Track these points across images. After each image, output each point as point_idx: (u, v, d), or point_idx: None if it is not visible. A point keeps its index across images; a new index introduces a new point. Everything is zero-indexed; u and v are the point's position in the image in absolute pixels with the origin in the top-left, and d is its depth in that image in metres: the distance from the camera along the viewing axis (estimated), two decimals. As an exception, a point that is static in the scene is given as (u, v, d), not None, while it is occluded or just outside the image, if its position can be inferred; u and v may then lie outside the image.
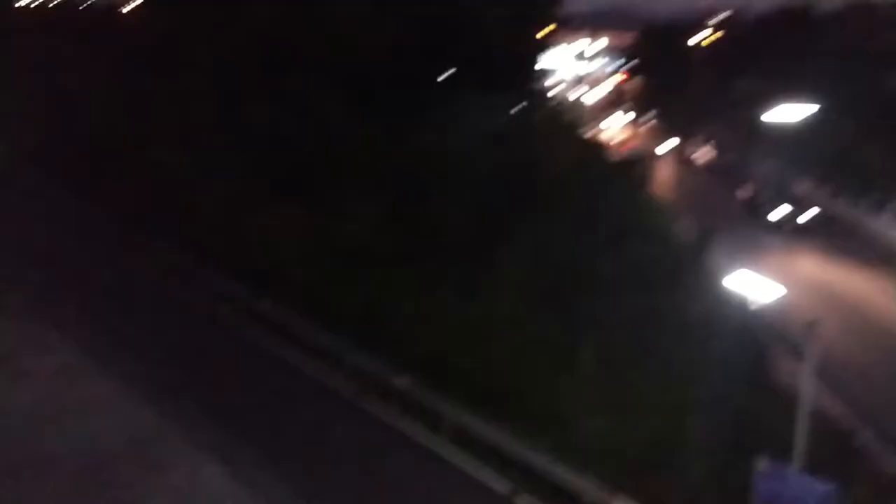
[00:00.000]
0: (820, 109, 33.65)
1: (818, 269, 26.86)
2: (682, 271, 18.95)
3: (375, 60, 18.79)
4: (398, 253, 17.03)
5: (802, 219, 33.92)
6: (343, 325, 16.18)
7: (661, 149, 56.18)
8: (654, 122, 73.31)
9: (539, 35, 47.60)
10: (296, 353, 16.78)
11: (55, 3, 36.84)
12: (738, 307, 14.96)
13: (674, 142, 53.98)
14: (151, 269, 20.12)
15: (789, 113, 27.54)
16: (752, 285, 12.28)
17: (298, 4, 16.77)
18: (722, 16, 79.13)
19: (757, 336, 17.34)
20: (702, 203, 35.84)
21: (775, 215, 34.18)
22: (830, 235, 32.64)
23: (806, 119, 27.98)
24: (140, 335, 16.84)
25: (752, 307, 14.80)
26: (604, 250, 17.40)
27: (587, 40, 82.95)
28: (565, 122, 34.42)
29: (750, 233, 31.55)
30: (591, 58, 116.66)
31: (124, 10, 20.94)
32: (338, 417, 14.71)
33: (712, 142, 54.71)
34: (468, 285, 16.23)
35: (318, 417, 14.64)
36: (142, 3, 18.04)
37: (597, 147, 31.73)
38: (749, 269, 12.23)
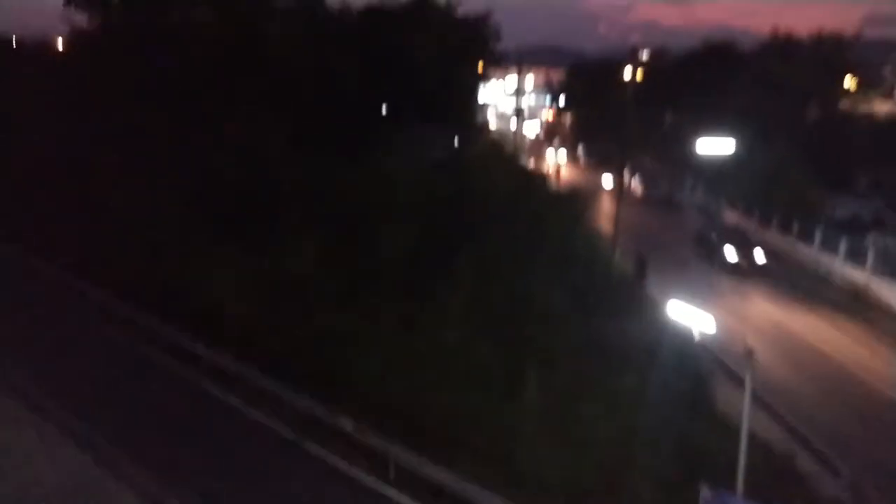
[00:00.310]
0: (744, 141, 35.15)
1: (770, 306, 27.58)
2: (623, 300, 19.18)
3: (315, 96, 18.65)
4: (340, 289, 16.75)
5: (760, 258, 32.74)
6: (284, 366, 15.77)
7: (595, 181, 57.45)
8: (586, 155, 75.10)
9: (476, 70, 48.44)
10: (236, 396, 16.32)
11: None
12: (679, 336, 15.17)
13: (607, 174, 55.28)
14: (87, 314, 19.57)
15: (716, 145, 28.55)
16: (691, 316, 12.53)
17: (239, 42, 16.50)
18: (648, 52, 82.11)
19: (698, 364, 17.60)
20: (647, 237, 36.49)
21: (731, 254, 32.56)
22: (778, 271, 33.20)
23: (732, 151, 29.07)
24: (74, 381, 16.29)
25: (693, 336, 15.04)
26: (546, 279, 17.48)
27: (522, 76, 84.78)
28: (505, 153, 34.86)
29: (704, 272, 31.58)
30: (524, 93, 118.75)
31: (59, 47, 20.38)
32: (279, 460, 14.26)
33: (644, 174, 56.26)
34: (411, 317, 16.04)
35: (260, 459, 14.19)
36: (78, 39, 17.55)
37: (536, 178, 32.12)
38: (702, 307, 12.43)
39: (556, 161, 66.73)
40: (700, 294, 16.09)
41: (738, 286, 29.93)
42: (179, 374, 17.29)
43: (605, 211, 36.35)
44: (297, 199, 18.14)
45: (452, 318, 16.05)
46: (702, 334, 13.59)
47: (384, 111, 28.24)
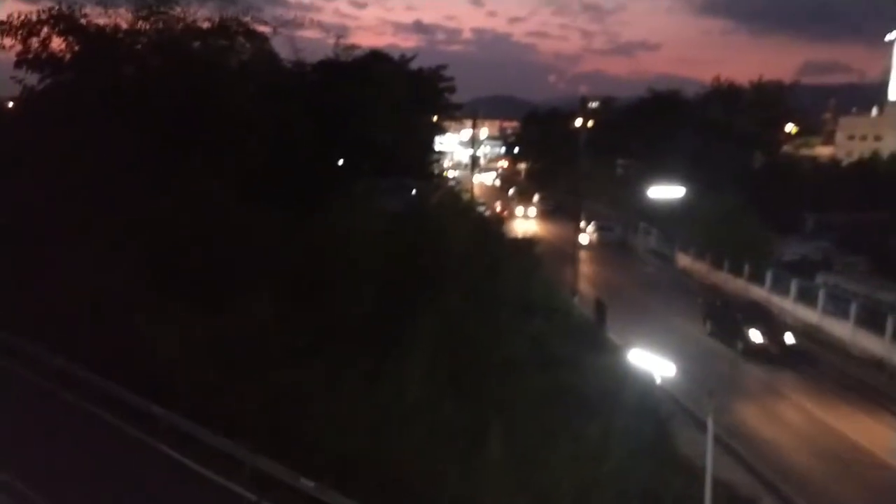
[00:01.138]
0: (693, 186, 36.14)
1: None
2: (583, 346, 19.26)
3: (270, 150, 18.64)
4: (299, 345, 16.46)
5: (790, 339, 27.04)
6: (242, 425, 15.34)
7: (550, 227, 58.17)
8: (541, 202, 75.98)
9: (432, 122, 49.15)
10: (192, 457, 15.78)
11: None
12: (640, 382, 15.25)
13: (562, 221, 56.19)
14: (34, 378, 18.87)
15: (666, 191, 29.35)
16: (650, 361, 12.67)
17: (193, 97, 16.46)
18: (597, 102, 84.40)
19: (660, 409, 17.67)
20: (604, 282, 36.60)
21: (756, 335, 26.67)
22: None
23: (681, 196, 29.86)
24: (26, 449, 15.55)
25: (654, 381, 15.12)
26: (506, 328, 17.49)
27: (477, 126, 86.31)
28: (462, 203, 35.13)
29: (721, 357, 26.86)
30: (480, 143, 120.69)
31: (10, 105, 20.11)
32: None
33: (598, 220, 57.16)
34: (373, 373, 15.81)
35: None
36: (29, 99, 17.36)
37: (493, 226, 32.43)
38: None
39: (513, 207, 67.48)
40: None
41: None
42: (132, 435, 16.68)
43: (562, 256, 36.70)
44: (252, 253, 17.91)
45: (414, 371, 15.87)
46: (662, 377, 13.69)
47: (340, 164, 28.35)
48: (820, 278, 34.20)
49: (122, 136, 15.63)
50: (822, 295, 31.36)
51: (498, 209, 64.19)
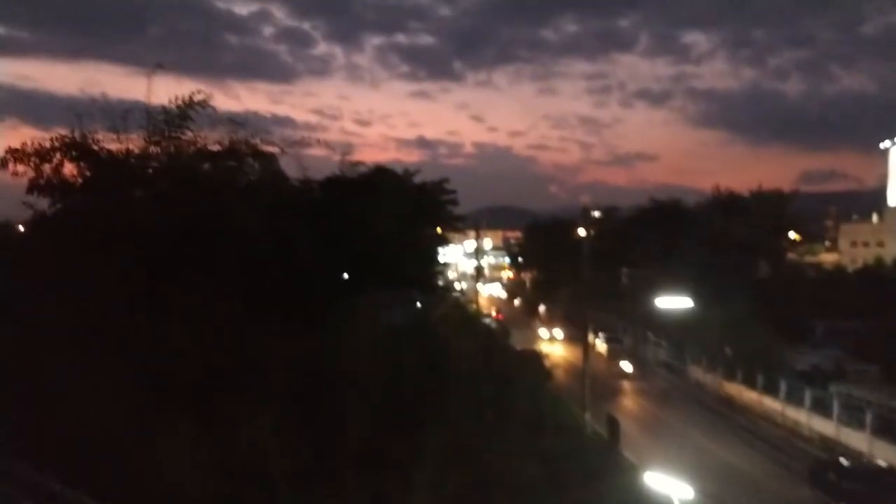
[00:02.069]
0: (699, 295, 35.99)
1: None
2: (596, 466, 18.59)
3: (274, 265, 18.66)
4: (301, 463, 15.90)
5: None
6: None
7: (558, 339, 57.68)
8: (547, 313, 75.71)
9: (436, 234, 49.68)
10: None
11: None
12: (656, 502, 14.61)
13: (566, 332, 55.82)
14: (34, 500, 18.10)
15: (674, 302, 29.15)
16: (667, 483, 12.17)
17: (200, 216, 16.64)
18: (599, 212, 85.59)
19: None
20: (616, 396, 35.76)
21: None
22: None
23: (689, 307, 29.62)
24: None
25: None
26: (515, 446, 16.93)
27: (481, 237, 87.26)
28: (467, 314, 34.97)
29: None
30: (483, 254, 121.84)
31: (21, 227, 20.41)
32: None
33: (607, 331, 56.71)
34: (377, 496, 15.19)
35: None
36: (40, 223, 17.58)
37: (500, 339, 32.12)
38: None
39: (519, 316, 67.03)
40: None
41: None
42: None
43: (571, 369, 36.16)
44: (255, 370, 17.65)
45: (420, 493, 15.27)
46: (681, 501, 13.10)
47: (345, 277, 28.43)
48: (833, 388, 33.60)
49: (131, 258, 15.68)
50: (836, 405, 30.69)
51: (504, 317, 63.78)
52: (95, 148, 17.41)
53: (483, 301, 75.44)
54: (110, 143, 17.62)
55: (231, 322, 17.00)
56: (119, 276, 15.50)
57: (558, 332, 60.45)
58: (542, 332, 60.94)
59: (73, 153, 17.28)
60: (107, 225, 15.97)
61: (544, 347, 50.00)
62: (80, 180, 17.59)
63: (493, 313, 64.26)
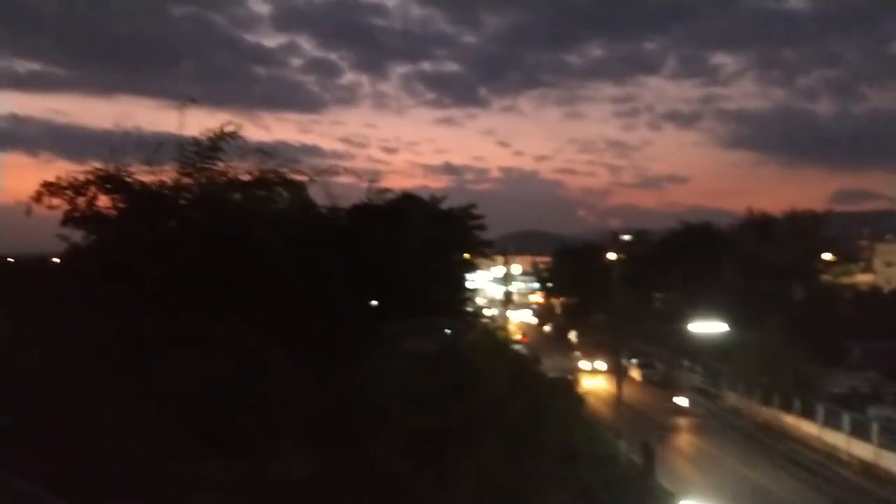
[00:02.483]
0: (733, 319, 35.35)
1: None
2: (632, 495, 18.19)
3: (304, 295, 18.68)
4: (329, 500, 15.75)
5: None
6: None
7: (591, 366, 56.92)
8: (578, 339, 74.96)
9: (464, 260, 49.60)
10: None
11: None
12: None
13: (600, 360, 54.91)
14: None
15: (708, 326, 28.70)
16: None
17: (231, 247, 16.75)
18: (629, 235, 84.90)
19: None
20: (651, 423, 35.04)
21: None
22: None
23: (723, 331, 29.13)
24: None
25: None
26: (549, 478, 16.63)
27: (509, 263, 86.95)
28: (497, 340, 34.72)
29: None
30: (513, 279, 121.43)
31: (55, 259, 20.76)
32: None
33: (640, 357, 55.91)
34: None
35: None
36: (74, 255, 17.84)
37: (531, 364, 31.80)
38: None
39: (549, 341, 66.33)
40: None
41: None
42: None
43: (604, 396, 35.65)
44: (284, 401, 17.59)
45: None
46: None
47: (373, 306, 28.44)
48: (872, 411, 32.80)
49: (163, 288, 15.81)
50: (875, 429, 29.87)
51: (536, 344, 63.19)
52: (129, 180, 17.67)
53: (513, 327, 74.98)
54: (143, 175, 17.87)
55: (260, 353, 17.03)
56: (151, 307, 15.63)
57: (600, 364, 54.99)
58: (583, 363, 56.35)
59: (107, 186, 17.55)
60: (140, 255, 16.15)
61: (586, 381, 46.82)
62: (114, 212, 17.86)
63: (523, 339, 63.63)
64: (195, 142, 18.59)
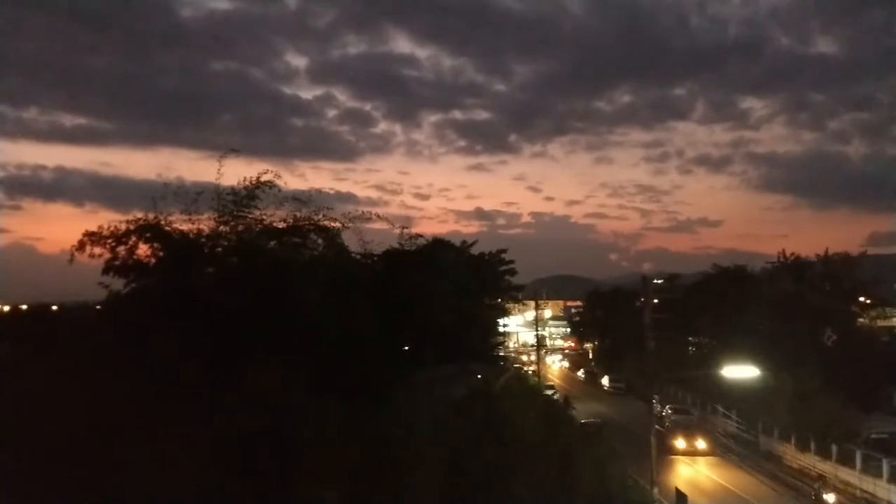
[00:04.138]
0: (768, 364, 34.83)
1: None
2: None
3: (336, 340, 18.96)
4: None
5: None
6: None
7: (624, 410, 56.18)
8: (611, 384, 74.11)
9: (495, 304, 49.62)
10: None
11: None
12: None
13: (635, 403, 54.22)
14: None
15: (741, 371, 28.25)
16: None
17: (265, 295, 17.18)
18: (661, 279, 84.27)
19: None
20: (685, 470, 34.29)
21: None
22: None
23: (756, 376, 28.68)
24: None
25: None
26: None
27: (541, 307, 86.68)
28: (529, 386, 34.60)
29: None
30: (543, 324, 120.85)
31: (97, 307, 21.42)
32: None
33: (674, 403, 55.11)
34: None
35: None
36: (114, 303, 18.38)
37: (563, 411, 31.57)
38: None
39: (583, 387, 65.54)
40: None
41: None
42: None
43: (637, 442, 35.09)
44: (317, 446, 17.73)
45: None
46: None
47: (405, 351, 28.60)
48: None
49: (200, 336, 16.22)
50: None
51: (568, 390, 62.53)
52: (167, 229, 18.25)
53: (544, 372, 74.37)
54: (182, 224, 18.45)
55: (295, 399, 17.26)
56: (189, 354, 16.01)
57: (701, 444, 44.56)
58: (679, 442, 45.02)
59: (147, 235, 18.14)
60: (178, 303, 16.61)
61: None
62: (153, 261, 18.41)
63: (555, 383, 63.16)
64: (233, 191, 19.19)
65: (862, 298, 64.24)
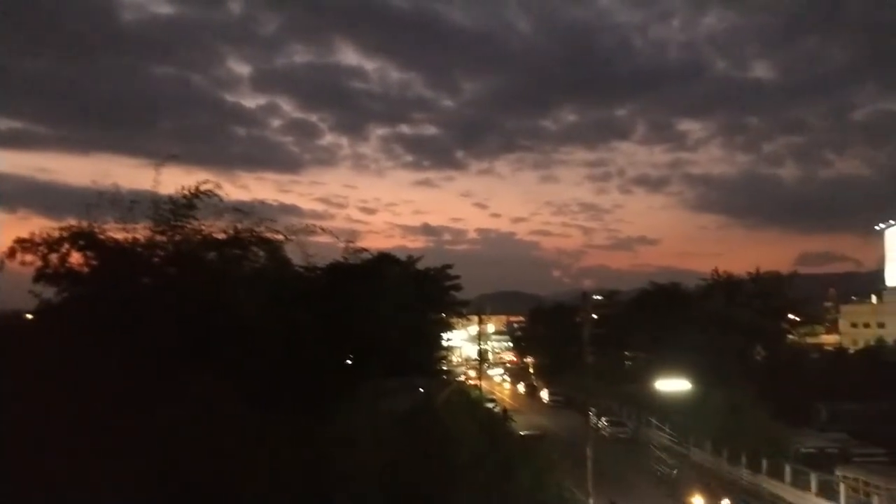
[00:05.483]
0: (700, 378, 35.80)
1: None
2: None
3: (279, 354, 18.74)
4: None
5: None
6: None
7: (562, 423, 56.85)
8: (550, 396, 74.90)
9: (439, 319, 49.70)
10: None
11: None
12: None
13: (569, 414, 55.06)
14: None
15: (673, 384, 29.09)
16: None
17: (205, 307, 16.92)
18: (601, 296, 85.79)
19: None
20: (619, 481, 34.93)
21: None
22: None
23: (688, 389, 29.56)
24: None
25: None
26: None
27: (484, 322, 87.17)
28: (471, 399, 34.73)
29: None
30: (487, 338, 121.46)
31: (28, 316, 20.62)
32: None
33: (610, 415, 56.04)
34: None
35: None
36: (45, 312, 17.79)
37: (503, 423, 31.77)
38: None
39: (523, 400, 66.18)
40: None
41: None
42: None
43: (573, 452, 35.60)
44: (257, 459, 17.47)
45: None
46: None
47: (349, 365, 28.44)
48: (839, 471, 33.09)
49: (135, 346, 15.85)
50: (843, 489, 30.18)
51: (508, 403, 62.99)
52: (102, 237, 17.79)
53: (486, 386, 74.72)
54: (117, 232, 18.00)
55: (236, 414, 16.99)
56: (123, 365, 15.62)
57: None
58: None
59: (81, 243, 17.65)
60: (112, 312, 16.19)
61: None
62: (86, 269, 17.91)
63: (496, 397, 63.62)
64: (170, 200, 18.79)
65: (791, 316, 66.67)
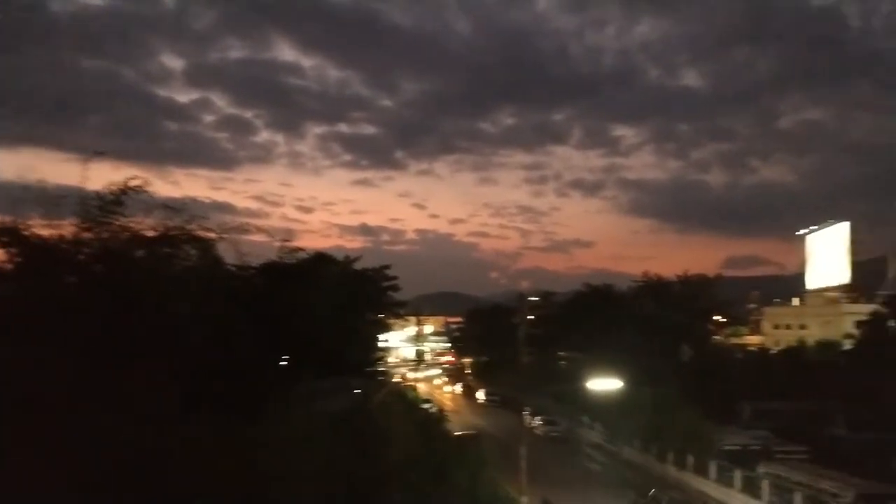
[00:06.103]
0: (630, 377, 36.67)
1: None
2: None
3: (211, 355, 18.41)
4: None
5: None
6: None
7: (496, 422, 57.38)
8: (486, 397, 75.45)
9: (377, 320, 49.52)
10: None
11: None
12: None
13: (504, 414, 55.63)
14: None
15: (604, 383, 29.74)
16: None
17: (134, 306, 16.51)
18: (537, 297, 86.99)
19: None
20: (553, 478, 35.49)
21: None
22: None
23: (619, 388, 30.26)
24: None
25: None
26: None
27: (422, 323, 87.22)
28: (407, 400, 34.75)
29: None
30: (425, 339, 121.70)
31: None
32: None
33: (543, 414, 56.84)
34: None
35: None
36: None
37: (439, 425, 31.89)
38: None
39: (457, 400, 66.48)
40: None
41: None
42: None
43: (507, 451, 36.01)
44: (187, 459, 17.13)
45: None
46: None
47: (283, 365, 28.12)
48: (762, 468, 34.31)
49: (60, 347, 15.35)
50: (766, 485, 31.31)
51: (444, 402, 63.22)
52: (27, 234, 17.19)
53: (423, 386, 74.85)
54: (42, 229, 17.42)
55: (165, 414, 16.62)
56: (47, 365, 15.13)
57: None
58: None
59: (3, 239, 17.03)
60: (36, 310, 15.65)
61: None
62: (9, 266, 17.29)
63: (432, 398, 63.79)
64: (98, 196, 18.26)
65: (717, 317, 68.95)
